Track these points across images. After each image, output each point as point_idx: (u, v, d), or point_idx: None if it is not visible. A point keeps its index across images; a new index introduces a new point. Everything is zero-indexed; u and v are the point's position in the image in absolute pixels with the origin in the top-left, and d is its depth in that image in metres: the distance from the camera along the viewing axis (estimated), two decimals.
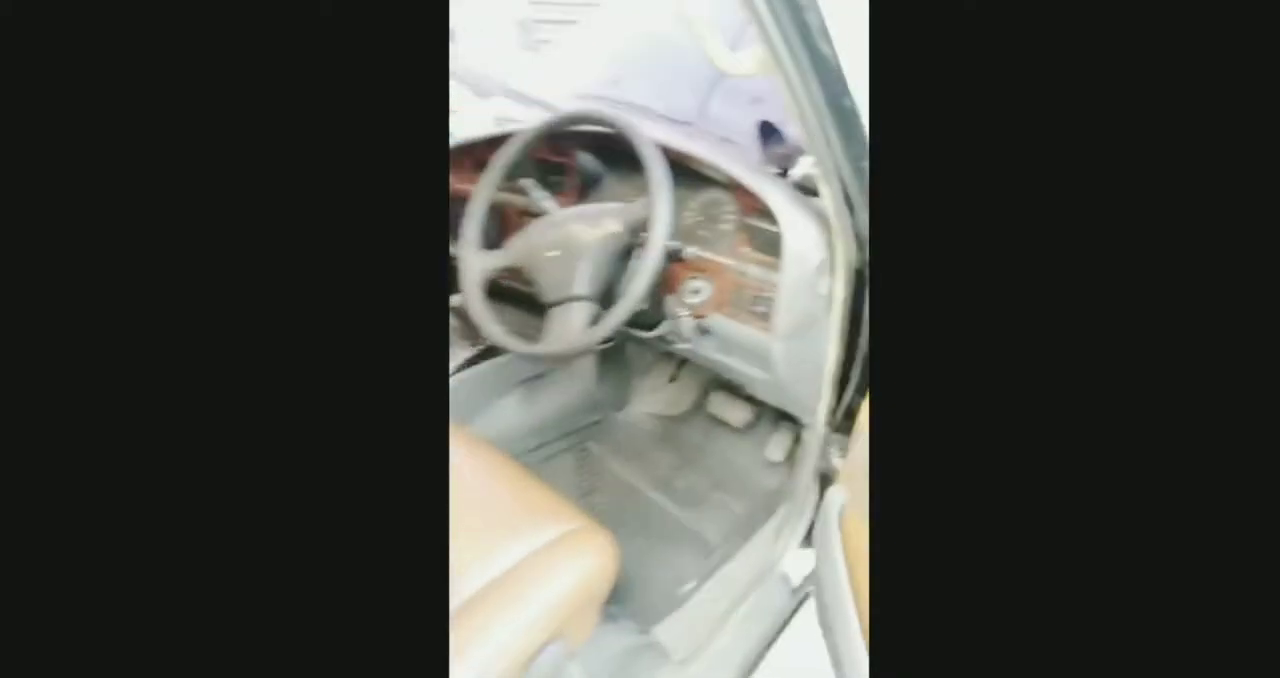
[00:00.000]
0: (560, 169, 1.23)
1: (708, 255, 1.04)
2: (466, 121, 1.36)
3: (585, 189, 1.23)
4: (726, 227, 1.07)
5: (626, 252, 0.97)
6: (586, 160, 1.21)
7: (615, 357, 1.51)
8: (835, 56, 0.58)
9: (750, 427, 1.45)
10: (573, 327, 0.92)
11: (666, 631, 1.02)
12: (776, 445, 1.38)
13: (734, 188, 1.02)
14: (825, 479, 1.07)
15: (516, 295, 1.15)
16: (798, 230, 0.89)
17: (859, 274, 0.83)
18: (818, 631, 0.64)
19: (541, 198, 1.12)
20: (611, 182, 1.23)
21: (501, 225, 1.23)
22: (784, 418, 1.41)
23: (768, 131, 0.98)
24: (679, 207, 1.13)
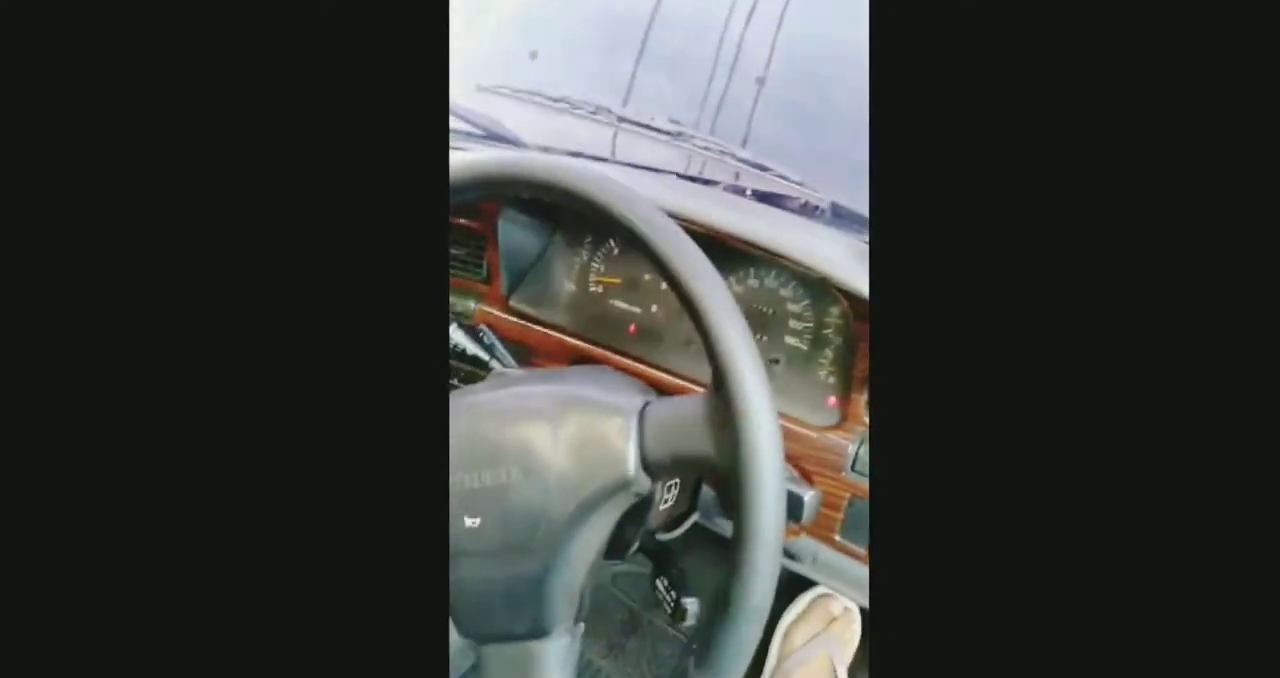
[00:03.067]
0: (472, 238, 0.70)
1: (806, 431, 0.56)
2: None
3: (514, 275, 0.70)
4: (823, 363, 0.59)
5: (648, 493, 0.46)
6: (513, 228, 0.68)
7: None
8: None
9: None
10: None
11: None
12: None
13: (836, 288, 0.54)
14: None
15: None
16: None
17: None
18: None
19: (467, 343, 0.60)
20: (559, 257, 0.71)
21: None
22: None
23: None
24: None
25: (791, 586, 1.00)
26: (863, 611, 0.94)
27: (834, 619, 0.93)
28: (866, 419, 0.54)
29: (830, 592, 0.94)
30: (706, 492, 0.61)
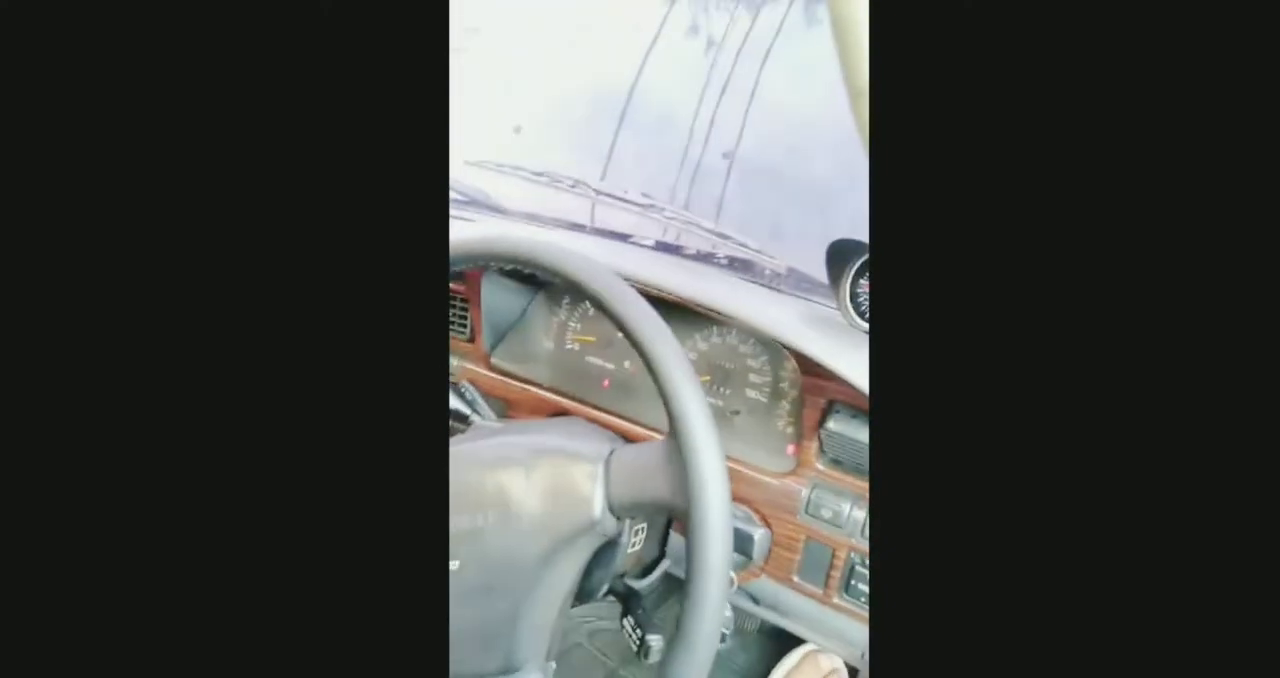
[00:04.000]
0: (456, 300, 0.75)
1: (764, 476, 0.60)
2: None
3: (495, 335, 0.75)
4: (780, 414, 0.64)
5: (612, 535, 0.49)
6: (495, 291, 0.73)
7: None
8: None
9: None
10: None
11: None
12: None
13: (786, 349, 0.59)
14: None
15: None
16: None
17: None
18: None
19: (450, 398, 0.64)
20: (538, 317, 0.76)
21: None
22: None
23: (841, 255, 0.55)
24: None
25: (783, 642, 1.02)
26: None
27: (826, 676, 0.94)
28: (818, 465, 0.58)
29: (820, 648, 0.96)
30: (676, 539, 0.64)
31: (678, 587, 0.74)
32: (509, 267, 0.49)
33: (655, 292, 0.63)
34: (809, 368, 0.57)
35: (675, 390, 0.41)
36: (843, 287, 0.58)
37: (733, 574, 0.57)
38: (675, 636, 0.40)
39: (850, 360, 0.54)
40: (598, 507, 0.45)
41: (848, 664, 0.81)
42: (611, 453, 0.46)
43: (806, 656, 0.97)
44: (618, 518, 0.45)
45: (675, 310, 0.67)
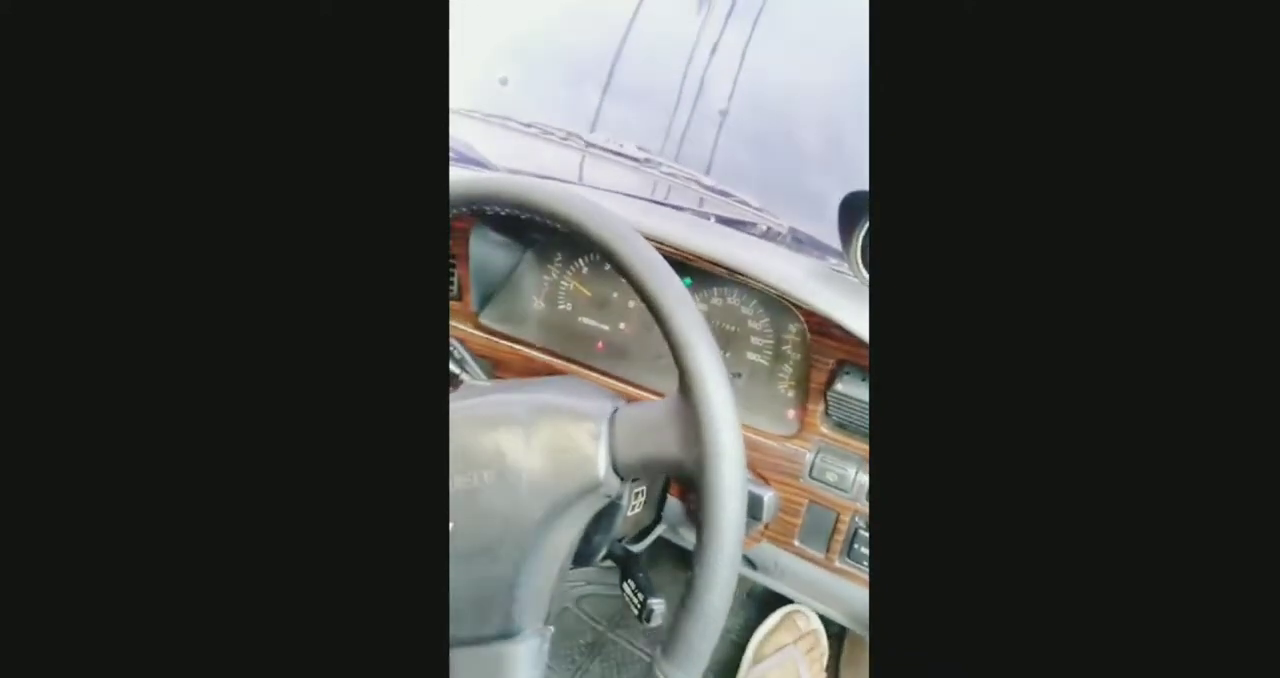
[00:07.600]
0: None
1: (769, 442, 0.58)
2: None
3: (484, 293, 0.72)
4: (782, 377, 0.62)
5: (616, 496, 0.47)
6: (485, 246, 0.70)
7: None
8: None
9: None
10: None
11: None
12: None
13: (794, 306, 0.57)
14: None
15: None
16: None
17: None
18: None
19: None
20: (529, 275, 0.73)
21: None
22: None
23: (852, 209, 0.53)
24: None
25: (769, 606, 1.02)
26: (825, 620, 0.96)
27: (803, 634, 0.95)
28: (823, 429, 0.57)
29: (801, 608, 0.96)
30: (671, 503, 0.63)
31: (668, 552, 0.73)
32: (505, 211, 0.46)
33: (658, 246, 0.60)
34: (818, 328, 0.55)
35: (687, 344, 0.39)
36: (854, 241, 0.56)
37: None
38: (686, 598, 0.38)
39: (863, 319, 0.52)
40: (601, 467, 0.42)
41: (842, 626, 0.82)
42: (615, 411, 0.44)
43: (786, 616, 0.98)
44: (621, 479, 0.43)
45: (675, 268, 0.64)
